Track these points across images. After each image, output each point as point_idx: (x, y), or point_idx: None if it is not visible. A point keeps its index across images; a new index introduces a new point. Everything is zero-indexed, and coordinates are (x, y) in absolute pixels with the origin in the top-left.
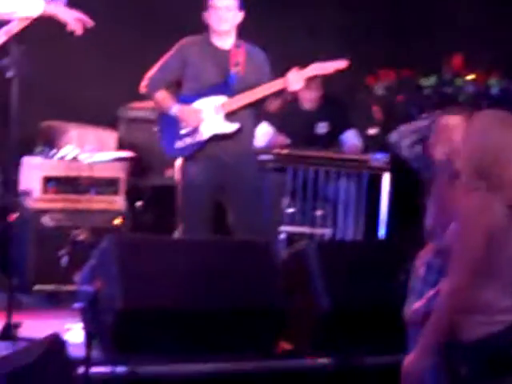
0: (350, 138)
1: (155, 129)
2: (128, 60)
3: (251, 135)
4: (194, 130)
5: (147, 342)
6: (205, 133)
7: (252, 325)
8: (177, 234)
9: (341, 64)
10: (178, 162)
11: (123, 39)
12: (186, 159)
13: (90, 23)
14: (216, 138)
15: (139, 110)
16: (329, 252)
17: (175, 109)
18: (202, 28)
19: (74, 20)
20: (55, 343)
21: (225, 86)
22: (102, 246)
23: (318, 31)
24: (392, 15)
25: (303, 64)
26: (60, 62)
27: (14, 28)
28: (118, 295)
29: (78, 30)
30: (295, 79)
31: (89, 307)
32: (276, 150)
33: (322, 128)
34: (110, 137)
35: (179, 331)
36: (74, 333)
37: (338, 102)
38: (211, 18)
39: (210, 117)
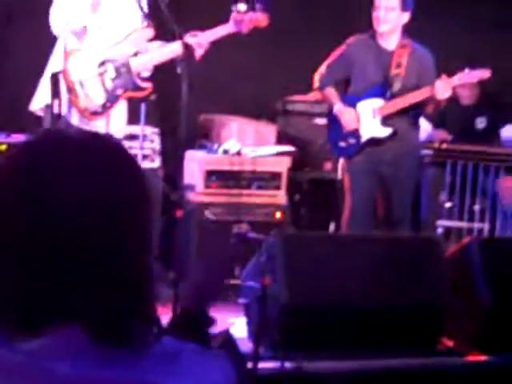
0: (510, 133)
1: (314, 122)
2: (287, 53)
3: (410, 134)
4: (355, 132)
5: (312, 339)
6: (363, 135)
7: (415, 322)
8: (332, 228)
9: (485, 74)
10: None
11: (283, 32)
12: (349, 157)
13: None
14: (373, 140)
15: (298, 103)
16: (491, 249)
17: (336, 108)
18: (366, 25)
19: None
20: (227, 340)
21: (383, 89)
22: (268, 242)
23: (474, 26)
24: None
25: (460, 59)
26: (219, 54)
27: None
28: (283, 291)
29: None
30: (443, 88)
31: (256, 303)
32: (435, 145)
33: (480, 123)
34: (270, 130)
35: (343, 328)
36: (238, 327)
37: (497, 96)
38: (373, 17)
39: (367, 120)
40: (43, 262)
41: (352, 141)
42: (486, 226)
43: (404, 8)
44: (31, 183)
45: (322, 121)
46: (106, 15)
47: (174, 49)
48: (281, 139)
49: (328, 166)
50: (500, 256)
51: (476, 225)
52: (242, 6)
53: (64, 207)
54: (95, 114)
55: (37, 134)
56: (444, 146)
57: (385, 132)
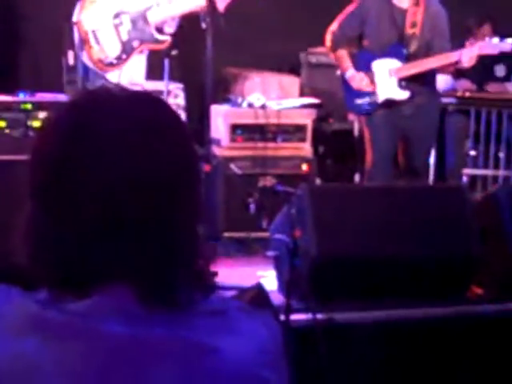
0: None
1: (337, 73)
2: (309, 5)
3: (428, 87)
4: (371, 91)
5: (343, 290)
6: (380, 95)
7: (445, 270)
8: (357, 179)
9: (506, 47)
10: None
11: None
12: (368, 113)
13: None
14: (390, 101)
15: (320, 54)
16: None
17: (349, 74)
18: None
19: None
20: (259, 293)
21: (399, 49)
22: (296, 195)
23: None
24: None
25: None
26: (240, 7)
27: None
28: (313, 244)
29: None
30: (468, 57)
31: (286, 256)
32: (459, 93)
33: (500, 71)
34: (293, 83)
35: (374, 279)
36: (268, 280)
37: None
38: None
39: (383, 80)
40: (92, 222)
41: (368, 100)
42: (511, 174)
43: None
44: (78, 149)
45: None
46: None
47: (195, 2)
48: (304, 91)
49: (352, 116)
50: None
51: (501, 172)
52: None
53: (110, 170)
54: (110, 65)
55: (80, 94)
56: (467, 94)
57: (402, 95)
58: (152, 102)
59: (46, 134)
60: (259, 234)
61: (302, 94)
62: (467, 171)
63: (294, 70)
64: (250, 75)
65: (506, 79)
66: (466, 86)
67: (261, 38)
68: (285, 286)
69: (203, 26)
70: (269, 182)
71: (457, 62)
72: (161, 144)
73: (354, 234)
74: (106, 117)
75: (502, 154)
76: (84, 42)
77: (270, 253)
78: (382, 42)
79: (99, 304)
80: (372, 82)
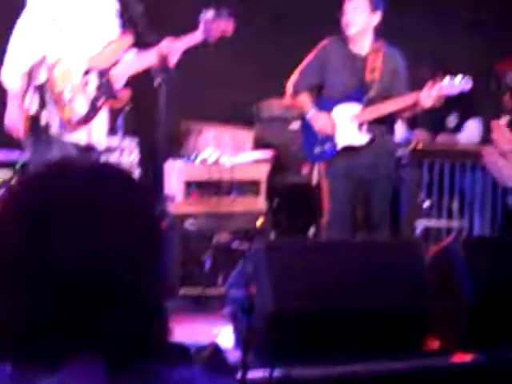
0: (469, 129)
1: (290, 127)
2: (260, 58)
3: (386, 137)
4: (330, 137)
5: (299, 345)
6: (339, 142)
7: (399, 323)
8: (312, 232)
9: (466, 86)
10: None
11: (255, 37)
12: (326, 162)
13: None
14: (350, 147)
15: (274, 108)
16: (473, 248)
17: (310, 114)
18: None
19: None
20: (215, 353)
21: (359, 94)
22: (251, 251)
23: (444, 28)
24: None
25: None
26: (191, 61)
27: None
28: (269, 300)
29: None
30: (426, 98)
31: (242, 313)
32: (412, 145)
33: (451, 122)
34: (247, 136)
35: (330, 334)
36: (223, 337)
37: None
38: (342, 22)
39: (344, 126)
40: (55, 299)
41: (327, 147)
42: (465, 225)
43: (374, 8)
44: (41, 222)
45: (298, 124)
46: (84, 25)
47: (149, 58)
48: (257, 145)
49: (306, 169)
50: (482, 254)
51: (455, 223)
52: (209, 14)
53: (74, 241)
54: (78, 124)
55: (42, 169)
56: (420, 146)
57: (362, 139)
58: (113, 176)
59: (7, 210)
60: (215, 291)
61: (256, 146)
62: (421, 222)
63: (248, 123)
64: (204, 129)
65: (456, 130)
66: (421, 135)
67: (214, 91)
68: (241, 342)
69: (156, 82)
70: (224, 238)
71: (415, 105)
72: (123, 216)
73: (309, 289)
74: (67, 191)
75: (455, 205)
76: (56, 101)
77: (227, 309)
78: (342, 89)
79: (65, 381)
80: (333, 126)
